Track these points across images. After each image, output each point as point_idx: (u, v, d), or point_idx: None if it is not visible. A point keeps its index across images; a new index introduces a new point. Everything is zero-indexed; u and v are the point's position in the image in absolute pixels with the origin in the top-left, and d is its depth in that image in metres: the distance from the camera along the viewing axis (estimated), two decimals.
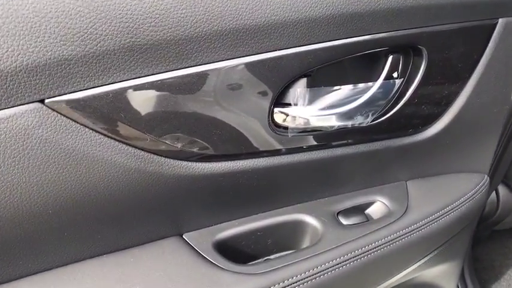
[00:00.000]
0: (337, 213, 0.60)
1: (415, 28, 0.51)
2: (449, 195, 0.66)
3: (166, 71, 0.40)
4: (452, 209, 0.65)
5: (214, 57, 0.41)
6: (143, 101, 0.40)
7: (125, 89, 0.39)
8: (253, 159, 0.50)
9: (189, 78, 0.41)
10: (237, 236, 0.55)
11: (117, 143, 0.41)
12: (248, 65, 0.43)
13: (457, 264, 0.84)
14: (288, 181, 0.55)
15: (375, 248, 0.57)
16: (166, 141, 0.44)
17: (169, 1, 0.37)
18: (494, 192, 1.11)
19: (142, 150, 0.43)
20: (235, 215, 0.55)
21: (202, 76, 0.41)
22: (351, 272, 0.55)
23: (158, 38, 0.38)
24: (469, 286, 1.12)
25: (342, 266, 0.54)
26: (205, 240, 0.52)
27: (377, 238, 0.57)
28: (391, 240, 0.58)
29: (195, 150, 0.46)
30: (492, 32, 0.57)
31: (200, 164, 0.47)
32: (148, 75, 0.39)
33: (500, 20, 0.57)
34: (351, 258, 0.55)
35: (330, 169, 0.57)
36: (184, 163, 0.46)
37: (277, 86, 0.46)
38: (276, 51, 0.43)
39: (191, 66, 0.41)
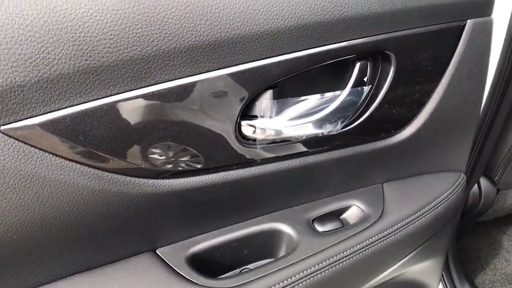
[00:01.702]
0: (313, 220, 0.60)
1: (381, 34, 0.51)
2: (426, 196, 0.67)
3: (125, 91, 0.39)
4: (428, 210, 0.66)
5: (174, 74, 0.41)
6: (102, 123, 0.40)
7: (83, 112, 0.38)
8: (223, 173, 0.50)
9: (150, 97, 0.41)
10: (212, 248, 0.55)
11: (78, 165, 0.41)
12: (210, 81, 0.42)
13: (438, 261, 0.85)
14: (260, 191, 0.55)
15: (351, 254, 0.57)
16: (130, 161, 0.43)
17: (124, 21, 0.37)
18: (476, 184, 1.13)
19: (105, 171, 0.42)
20: (209, 227, 0.55)
21: (163, 94, 0.41)
22: (327, 280, 0.56)
23: (114, 59, 0.37)
24: (454, 278, 1.14)
25: (318, 274, 0.55)
26: (179, 254, 0.52)
27: (353, 244, 0.58)
28: (367, 245, 0.59)
29: (161, 167, 0.46)
30: (461, 34, 0.57)
31: (168, 180, 0.47)
32: (106, 97, 0.39)
33: (468, 21, 0.57)
34: (326, 266, 0.55)
35: (303, 177, 0.57)
36: (151, 181, 0.46)
37: (242, 100, 0.45)
38: (238, 66, 0.43)
39: (150, 85, 0.40)
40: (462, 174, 0.73)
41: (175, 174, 0.47)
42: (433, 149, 0.67)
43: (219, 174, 0.50)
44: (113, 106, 0.39)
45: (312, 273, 0.54)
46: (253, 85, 0.45)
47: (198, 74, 0.42)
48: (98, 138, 0.40)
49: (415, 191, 0.67)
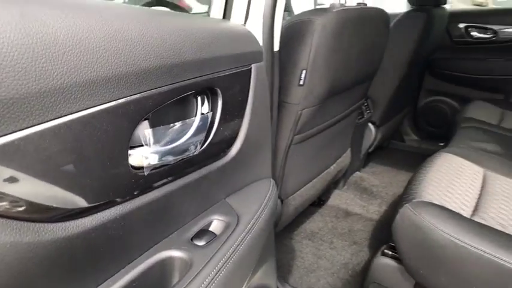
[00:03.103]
0: (191, 239, 0.67)
1: (210, 74, 0.68)
2: (258, 199, 0.86)
3: (33, 125, 0.39)
4: (263, 208, 0.85)
5: (76, 107, 0.43)
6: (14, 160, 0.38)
7: None
8: (119, 206, 0.52)
9: (53, 131, 0.42)
10: None
11: None
12: (103, 113, 0.47)
13: (272, 262, 1.05)
14: (149, 221, 0.59)
15: (230, 255, 0.68)
16: (23, 204, 0.41)
17: (30, 55, 0.38)
18: None
19: None
20: (108, 273, 0.54)
21: (65, 128, 0.43)
22: (221, 284, 0.64)
23: (24, 92, 0.38)
24: (279, 285, 1.37)
25: (214, 282, 0.62)
26: None
27: (228, 247, 0.69)
28: (238, 246, 0.71)
29: (60, 206, 0.45)
30: (251, 74, 0.82)
31: (66, 223, 0.46)
32: (14, 132, 0.38)
33: (252, 65, 0.82)
34: (217, 273, 0.64)
35: (177, 201, 0.65)
36: (51, 225, 0.44)
37: (131, 129, 0.51)
38: (124, 98, 0.50)
39: (56, 118, 0.41)
40: (271, 179, 0.97)
41: (67, 217, 0.46)
42: (252, 161, 0.88)
43: (116, 208, 0.52)
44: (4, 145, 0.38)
45: (209, 283, 0.61)
46: (137, 115, 0.52)
47: (95, 106, 0.46)
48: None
49: (251, 197, 0.85)
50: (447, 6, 2.19)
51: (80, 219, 0.47)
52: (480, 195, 1.15)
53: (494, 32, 2.21)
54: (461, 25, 2.28)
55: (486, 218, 1.03)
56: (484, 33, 2.24)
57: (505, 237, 0.92)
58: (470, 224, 0.98)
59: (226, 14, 0.88)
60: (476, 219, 1.02)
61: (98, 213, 0.49)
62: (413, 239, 1.04)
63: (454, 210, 1.05)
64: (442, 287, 1.00)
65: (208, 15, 0.91)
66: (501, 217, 1.03)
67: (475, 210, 1.07)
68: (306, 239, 1.74)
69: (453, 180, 1.19)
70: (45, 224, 0.42)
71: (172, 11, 1.15)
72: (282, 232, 1.76)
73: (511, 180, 1.22)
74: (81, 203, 0.46)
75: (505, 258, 0.86)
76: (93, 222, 0.48)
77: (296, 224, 1.83)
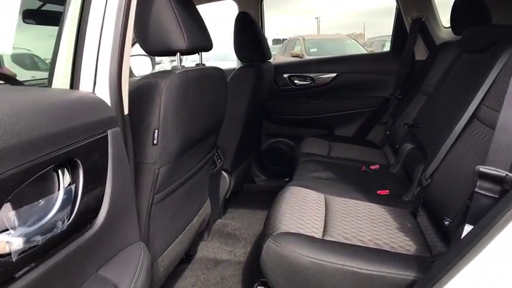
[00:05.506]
0: None
1: (68, 146, 0.69)
2: (132, 264, 0.88)
3: None
4: (139, 272, 0.86)
5: None
6: None
7: None
8: None
9: None
10: None
11: None
12: None
13: None
14: None
15: None
16: None
17: None
18: None
19: None
20: None
21: None
22: None
23: None
24: None
25: None
26: None
27: None
28: None
29: None
30: (107, 140, 0.85)
31: None
32: None
33: (108, 132, 0.86)
34: None
35: (49, 284, 0.63)
36: None
37: None
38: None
39: None
40: (141, 242, 0.99)
41: None
42: (120, 227, 0.89)
43: None
44: None
45: None
46: (4, 194, 0.51)
47: None
48: None
49: (124, 264, 0.86)
50: (271, 60, 2.60)
51: None
52: (326, 216, 1.38)
53: (312, 79, 2.71)
54: (285, 75, 2.72)
55: (334, 235, 1.24)
56: (304, 81, 2.73)
57: (352, 248, 1.14)
58: (323, 243, 1.17)
59: (73, 84, 0.90)
60: (327, 238, 1.23)
61: None
62: (281, 269, 1.18)
63: (308, 234, 1.23)
64: None
65: (49, 85, 0.92)
66: (345, 232, 1.27)
67: (325, 230, 1.28)
68: None
69: (302, 209, 1.40)
70: None
71: (22, 87, 1.09)
72: None
73: (345, 199, 1.51)
74: None
75: (357, 265, 1.06)
76: None
77: (168, 285, 1.80)
